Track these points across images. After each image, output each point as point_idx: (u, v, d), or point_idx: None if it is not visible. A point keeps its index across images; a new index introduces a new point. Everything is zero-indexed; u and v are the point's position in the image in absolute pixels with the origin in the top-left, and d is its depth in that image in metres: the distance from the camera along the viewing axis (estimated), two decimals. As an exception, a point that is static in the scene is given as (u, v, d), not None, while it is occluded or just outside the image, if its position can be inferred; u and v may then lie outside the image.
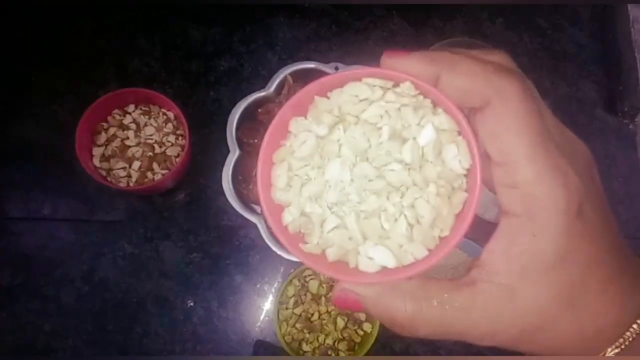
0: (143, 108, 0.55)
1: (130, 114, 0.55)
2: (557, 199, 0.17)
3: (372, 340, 0.50)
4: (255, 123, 0.52)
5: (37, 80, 0.60)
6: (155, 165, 0.53)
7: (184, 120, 0.52)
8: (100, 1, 0.62)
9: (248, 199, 0.50)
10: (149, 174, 0.53)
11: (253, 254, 0.54)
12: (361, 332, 0.51)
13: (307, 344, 0.51)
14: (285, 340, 0.50)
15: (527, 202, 0.17)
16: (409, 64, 0.19)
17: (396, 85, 0.20)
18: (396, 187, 0.19)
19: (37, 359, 0.52)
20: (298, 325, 0.51)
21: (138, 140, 0.54)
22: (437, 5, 0.68)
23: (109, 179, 0.53)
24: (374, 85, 0.20)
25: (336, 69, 0.53)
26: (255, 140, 0.50)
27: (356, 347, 0.51)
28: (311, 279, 0.52)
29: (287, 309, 0.52)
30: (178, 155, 0.54)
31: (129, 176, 0.53)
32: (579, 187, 0.17)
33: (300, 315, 0.51)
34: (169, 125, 0.55)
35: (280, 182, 0.20)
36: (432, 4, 0.67)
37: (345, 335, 0.51)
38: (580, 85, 0.68)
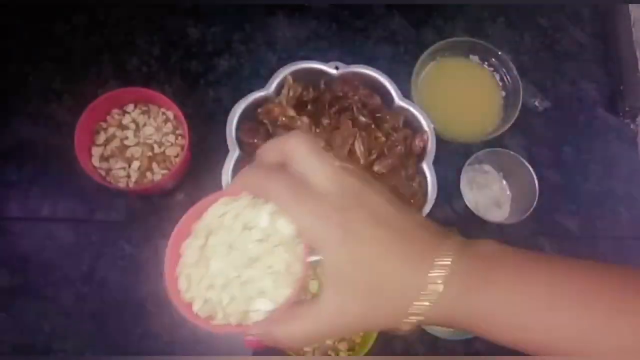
0: (142, 108, 0.55)
1: (129, 113, 0.55)
2: (325, 233, 0.25)
3: (372, 340, 0.50)
4: (255, 123, 0.52)
5: (36, 80, 0.59)
6: (154, 165, 0.53)
7: (183, 120, 0.52)
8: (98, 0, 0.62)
9: (248, 199, 0.50)
10: (149, 174, 0.53)
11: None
12: (361, 332, 0.51)
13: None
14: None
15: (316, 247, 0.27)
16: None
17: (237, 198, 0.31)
18: (257, 257, 0.29)
19: (37, 359, 0.52)
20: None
21: (137, 140, 0.54)
22: (438, 5, 0.67)
23: (108, 179, 0.52)
24: (226, 204, 0.31)
25: (336, 68, 0.53)
26: (255, 140, 0.50)
27: (356, 347, 0.51)
28: (311, 280, 0.52)
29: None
30: (177, 155, 0.54)
31: (129, 176, 0.53)
32: (342, 213, 0.25)
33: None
34: (169, 125, 0.55)
35: (184, 287, 0.31)
36: (433, 3, 0.67)
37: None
38: (581, 84, 0.68)
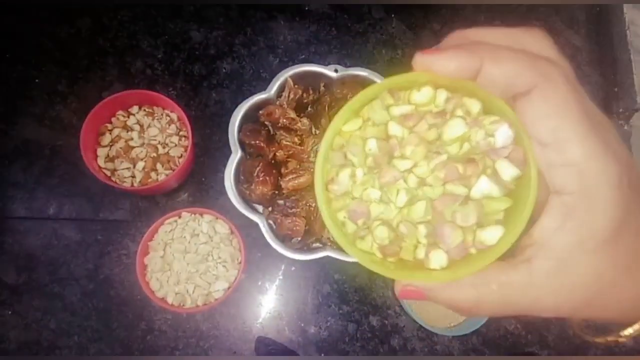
0: (147, 109, 0.56)
1: (134, 115, 0.56)
2: (610, 174, 0.17)
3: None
4: (256, 124, 0.53)
5: (41, 82, 0.60)
6: (158, 166, 0.54)
7: (186, 122, 0.53)
8: (103, 2, 0.63)
9: (250, 199, 0.51)
10: (153, 174, 0.54)
11: (255, 252, 0.55)
12: (419, 255, 0.22)
13: (349, 172, 0.22)
14: (336, 125, 0.22)
15: (582, 179, 0.18)
16: (446, 60, 0.19)
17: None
18: (207, 254, 0.41)
19: (43, 356, 0.53)
20: (372, 142, 0.22)
21: (142, 141, 0.55)
22: (435, 9, 0.68)
23: (113, 179, 0.53)
24: (170, 223, 0.42)
25: (335, 71, 0.54)
26: (257, 141, 0.51)
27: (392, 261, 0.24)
28: (456, 119, 0.22)
29: (388, 107, 0.22)
30: (181, 156, 0.55)
31: (133, 176, 0.54)
32: (627, 160, 0.18)
33: (391, 137, 0.22)
34: (172, 126, 0.56)
35: (156, 287, 0.50)
36: (431, 4, 0.68)
37: (400, 232, 0.22)
38: (575, 87, 0.69)
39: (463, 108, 0.20)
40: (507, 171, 0.19)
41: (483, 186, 0.20)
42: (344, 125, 0.22)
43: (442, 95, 0.20)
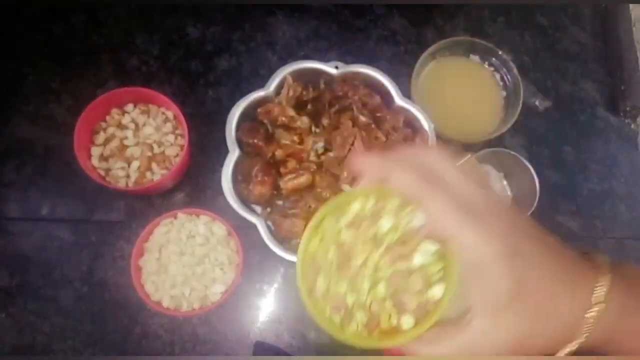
0: (142, 107, 0.55)
1: (129, 113, 0.55)
2: (492, 253, 0.23)
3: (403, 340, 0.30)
4: (254, 123, 0.52)
5: (35, 80, 0.59)
6: (154, 165, 0.53)
7: (183, 120, 0.52)
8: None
9: (248, 199, 0.50)
10: (148, 174, 0.53)
11: (253, 254, 0.54)
12: (394, 322, 0.30)
13: (323, 280, 0.31)
14: (304, 257, 0.31)
15: (473, 261, 0.24)
16: (366, 182, 0.27)
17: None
18: (204, 256, 0.47)
19: (37, 359, 0.52)
20: (332, 251, 0.30)
21: (137, 140, 0.53)
22: (438, 4, 0.67)
23: (107, 179, 0.52)
24: (166, 225, 0.46)
25: (336, 68, 0.53)
26: (255, 140, 0.50)
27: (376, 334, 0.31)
28: (385, 216, 0.29)
29: (337, 221, 0.31)
30: (177, 155, 0.54)
31: (128, 176, 0.53)
32: (506, 235, 0.23)
33: (344, 243, 0.31)
34: (168, 124, 0.54)
35: (152, 290, 0.46)
36: (433, 3, 0.67)
37: (373, 309, 0.30)
38: (581, 84, 0.67)
39: (387, 206, 0.27)
40: (430, 246, 0.26)
41: (418, 259, 0.27)
42: (309, 246, 0.30)
43: (371, 201, 0.28)
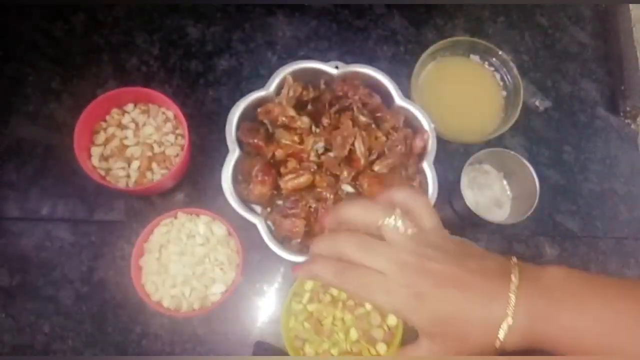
0: (142, 107, 0.55)
1: (129, 113, 0.55)
2: (407, 293, 0.31)
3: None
4: (254, 123, 0.52)
5: (35, 80, 0.59)
6: (154, 165, 0.53)
7: (183, 120, 0.52)
8: (98, -1, 0.62)
9: (248, 200, 0.50)
10: (148, 174, 0.53)
11: (253, 254, 0.54)
12: (373, 352, 0.46)
13: (310, 346, 0.47)
14: (288, 336, 0.47)
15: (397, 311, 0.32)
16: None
17: None
18: (204, 256, 0.50)
19: (37, 359, 0.52)
20: (307, 324, 0.47)
21: (137, 140, 0.53)
22: (438, 4, 0.67)
23: (107, 178, 0.52)
24: (166, 224, 0.52)
25: (336, 67, 0.53)
26: (255, 140, 0.50)
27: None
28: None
29: (300, 302, 0.48)
30: (177, 155, 0.54)
31: (128, 176, 0.53)
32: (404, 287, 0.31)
33: (312, 313, 0.47)
34: (168, 124, 0.54)
35: (152, 290, 0.48)
36: (433, 3, 0.67)
37: (354, 349, 0.46)
38: (581, 84, 0.67)
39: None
40: None
41: (368, 304, 0.46)
42: (288, 326, 0.47)
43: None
